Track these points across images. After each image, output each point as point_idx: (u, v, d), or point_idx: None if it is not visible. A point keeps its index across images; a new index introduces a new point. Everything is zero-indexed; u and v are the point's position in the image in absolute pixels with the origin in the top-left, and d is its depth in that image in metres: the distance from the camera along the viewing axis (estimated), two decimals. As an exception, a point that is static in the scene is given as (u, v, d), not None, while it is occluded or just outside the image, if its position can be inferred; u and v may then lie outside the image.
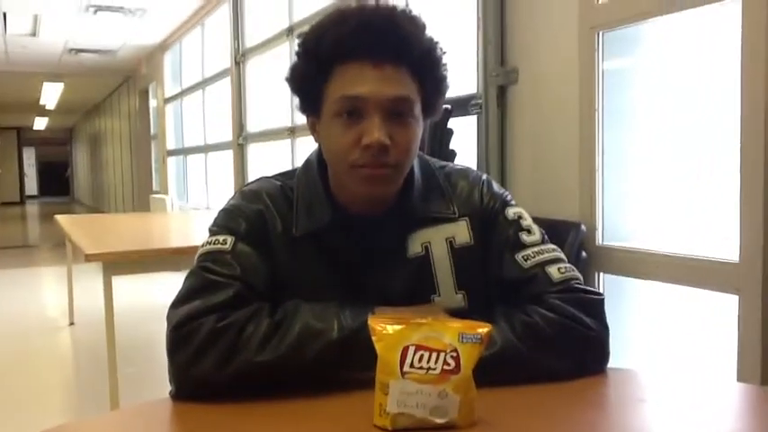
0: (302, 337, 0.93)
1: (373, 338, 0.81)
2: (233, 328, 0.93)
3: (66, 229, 3.63)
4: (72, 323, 4.67)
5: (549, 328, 0.98)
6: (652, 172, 2.11)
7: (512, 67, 2.39)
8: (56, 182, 25.09)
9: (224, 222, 1.07)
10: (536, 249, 1.06)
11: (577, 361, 0.99)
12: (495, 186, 1.15)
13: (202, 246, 1.05)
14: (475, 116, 2.51)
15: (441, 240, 1.08)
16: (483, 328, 0.81)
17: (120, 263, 2.70)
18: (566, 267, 1.06)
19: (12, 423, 2.91)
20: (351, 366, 0.91)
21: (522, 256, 1.06)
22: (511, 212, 1.10)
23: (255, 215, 1.06)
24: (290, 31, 4.55)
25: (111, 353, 2.66)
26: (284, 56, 4.70)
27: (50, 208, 16.87)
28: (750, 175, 1.62)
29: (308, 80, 1.02)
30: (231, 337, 0.92)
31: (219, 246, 1.02)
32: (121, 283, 2.83)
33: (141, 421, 0.90)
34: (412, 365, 0.79)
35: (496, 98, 2.42)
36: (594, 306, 1.02)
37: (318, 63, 1.00)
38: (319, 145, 1.13)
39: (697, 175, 2.02)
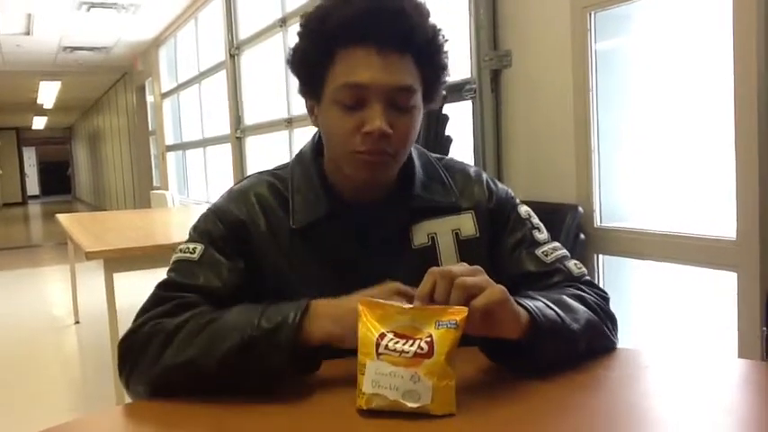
0: (214, 336, 0.90)
1: (359, 322, 0.82)
2: (162, 333, 0.93)
3: (67, 228, 3.64)
4: (77, 321, 4.69)
5: (596, 306, 1.03)
6: (648, 152, 2.11)
7: (505, 50, 2.38)
8: (57, 181, 25.12)
9: (203, 225, 1.07)
10: (551, 246, 1.10)
11: (614, 336, 1.04)
12: (499, 184, 1.17)
13: (177, 249, 1.05)
14: (469, 101, 2.51)
15: (447, 232, 1.08)
16: (459, 314, 0.81)
17: (120, 259, 2.72)
18: (578, 263, 1.11)
19: (19, 420, 2.93)
20: (253, 370, 0.87)
21: (542, 252, 1.09)
22: (522, 211, 1.13)
23: (235, 222, 1.05)
24: (283, 21, 4.53)
25: (115, 350, 2.67)
26: (278, 47, 4.68)
27: (52, 207, 16.89)
28: (745, 152, 1.62)
29: (310, 63, 1.01)
30: (160, 340, 0.92)
31: (188, 255, 1.03)
32: (126, 280, 2.84)
33: (142, 418, 0.91)
34: (387, 347, 0.80)
35: (490, 82, 2.41)
36: (607, 300, 1.08)
37: (321, 46, 0.99)
38: (314, 135, 1.13)
39: (693, 153, 2.02)
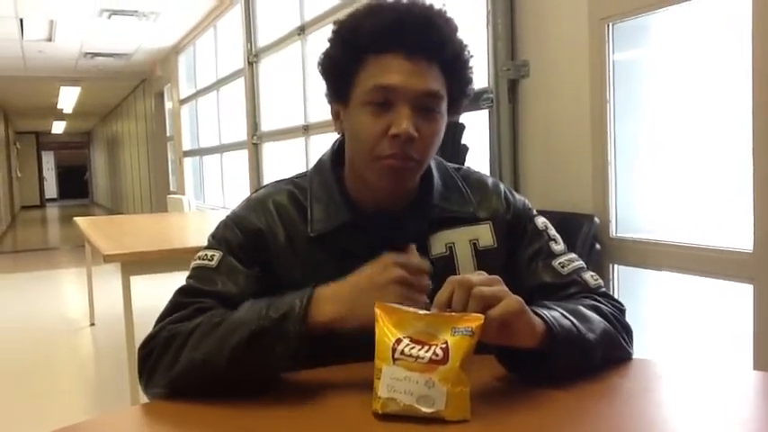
0: (224, 332, 0.92)
1: (375, 326, 0.84)
2: (179, 336, 0.95)
3: (85, 231, 3.68)
4: (93, 324, 4.73)
5: (612, 317, 1.03)
6: (665, 163, 2.10)
7: (522, 60, 2.39)
8: (75, 185, 25.40)
9: (221, 233, 1.08)
10: (568, 258, 1.11)
11: (630, 347, 1.04)
12: (516, 194, 1.17)
13: (196, 257, 1.07)
14: (486, 110, 2.51)
15: (465, 242, 1.09)
16: (475, 322, 0.82)
17: (138, 263, 2.74)
18: (594, 275, 1.11)
19: (34, 421, 2.96)
20: (263, 361, 0.89)
21: (559, 264, 1.09)
22: (540, 222, 1.14)
23: (254, 230, 1.07)
24: (301, 30, 4.57)
25: (131, 352, 2.70)
26: (296, 55, 4.72)
27: (70, 210, 17.08)
28: (763, 163, 1.62)
29: (340, 67, 1.03)
30: (177, 343, 0.94)
31: (207, 262, 1.05)
32: (141, 283, 2.87)
33: (157, 418, 0.92)
34: (403, 353, 0.81)
35: (507, 92, 2.42)
36: (623, 311, 1.07)
37: (353, 52, 1.01)
38: (333, 144, 1.14)
39: (710, 165, 2.01)
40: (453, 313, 0.83)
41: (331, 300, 0.91)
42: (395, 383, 0.80)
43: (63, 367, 3.96)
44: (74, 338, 4.55)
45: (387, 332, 0.83)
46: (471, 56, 1.05)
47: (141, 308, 2.74)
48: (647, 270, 2.06)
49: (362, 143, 1.01)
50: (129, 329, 2.68)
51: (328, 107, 1.10)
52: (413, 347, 0.81)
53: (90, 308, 4.78)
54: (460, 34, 1.04)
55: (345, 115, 1.05)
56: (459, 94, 1.05)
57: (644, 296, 2.15)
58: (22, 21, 6.46)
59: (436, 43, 0.99)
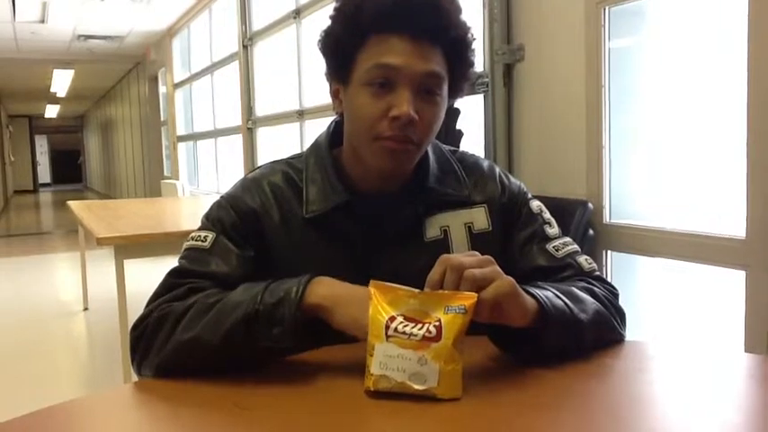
0: (219, 313, 0.92)
1: (369, 303, 0.84)
2: (172, 315, 0.94)
3: (79, 215, 3.66)
4: (86, 308, 4.72)
5: (605, 299, 1.03)
6: (659, 149, 2.11)
7: (518, 44, 2.38)
8: (68, 169, 25.29)
9: (215, 213, 1.07)
10: (562, 241, 1.10)
11: (622, 330, 1.04)
12: (512, 178, 1.17)
13: (189, 237, 1.06)
14: (481, 95, 2.51)
15: (459, 225, 1.09)
16: (468, 300, 0.82)
17: (131, 246, 2.73)
18: (589, 258, 1.11)
19: (28, 405, 2.96)
20: (256, 344, 0.89)
21: (553, 247, 1.09)
22: (534, 206, 1.13)
23: (248, 211, 1.06)
24: (296, 13, 4.54)
25: (125, 336, 2.70)
26: (291, 39, 4.70)
27: (63, 195, 16.99)
28: (757, 151, 1.62)
29: (342, 45, 1.01)
30: (170, 322, 0.94)
31: (200, 243, 1.04)
32: (134, 268, 2.86)
33: (147, 397, 0.92)
34: (396, 330, 0.81)
35: (503, 76, 2.41)
36: (616, 295, 1.08)
37: (355, 30, 0.99)
38: (329, 125, 1.13)
39: (704, 152, 2.01)
40: (446, 291, 0.84)
41: (327, 286, 0.91)
42: (387, 360, 0.81)
43: (56, 351, 3.95)
44: (67, 322, 4.54)
45: (380, 310, 0.83)
46: (474, 38, 1.04)
47: (135, 292, 2.73)
48: (640, 256, 2.07)
49: (362, 123, 1.00)
50: (123, 313, 2.68)
51: (325, 89, 1.08)
52: (406, 325, 0.82)
53: (83, 292, 4.78)
54: (464, 16, 1.02)
55: (345, 95, 1.04)
56: (461, 76, 1.04)
57: (637, 282, 2.16)
58: (14, 1, 6.40)
59: (441, 26, 0.98)
